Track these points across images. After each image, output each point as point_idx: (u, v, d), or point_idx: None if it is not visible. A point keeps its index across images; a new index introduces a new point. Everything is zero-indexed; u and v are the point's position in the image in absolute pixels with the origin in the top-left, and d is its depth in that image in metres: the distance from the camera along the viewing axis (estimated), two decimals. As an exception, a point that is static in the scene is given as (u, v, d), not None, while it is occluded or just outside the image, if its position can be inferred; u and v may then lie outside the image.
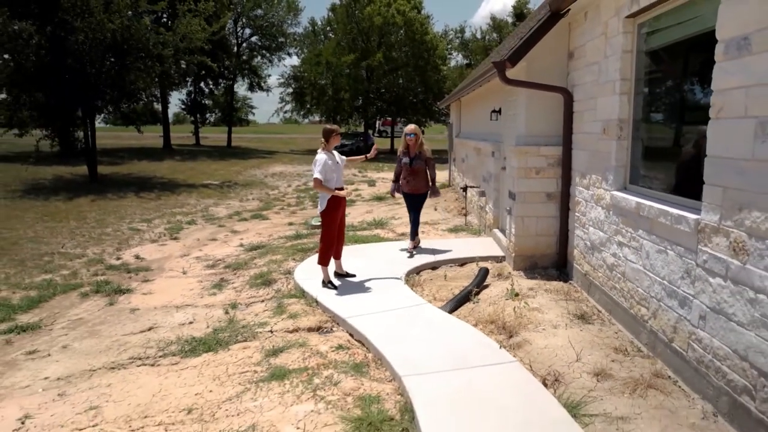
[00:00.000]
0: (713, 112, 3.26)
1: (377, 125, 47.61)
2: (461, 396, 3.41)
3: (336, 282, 5.98)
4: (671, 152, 4.35)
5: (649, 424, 3.10)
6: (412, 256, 7.04)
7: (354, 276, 6.23)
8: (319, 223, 10.27)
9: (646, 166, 4.62)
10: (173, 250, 8.90)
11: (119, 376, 4.27)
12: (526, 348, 4.22)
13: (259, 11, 36.10)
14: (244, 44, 37.82)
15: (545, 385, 3.63)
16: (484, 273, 5.95)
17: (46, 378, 4.40)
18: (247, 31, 37.44)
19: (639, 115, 4.70)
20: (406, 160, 7.33)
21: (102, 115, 18.43)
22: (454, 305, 5.28)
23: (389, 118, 39.19)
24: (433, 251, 7.27)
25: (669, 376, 3.72)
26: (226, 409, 3.50)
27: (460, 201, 12.31)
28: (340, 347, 4.32)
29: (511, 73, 6.14)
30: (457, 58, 49.36)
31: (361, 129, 38.93)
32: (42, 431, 3.52)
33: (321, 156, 5.77)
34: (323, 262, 5.94)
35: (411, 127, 7.51)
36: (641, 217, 4.23)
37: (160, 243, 9.43)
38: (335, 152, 6.04)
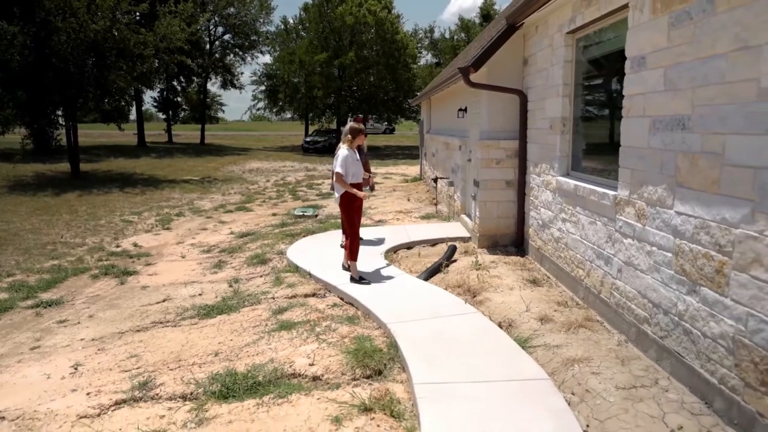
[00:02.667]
0: (624, 112, 4.26)
1: (349, 122, 48.45)
2: (435, 335, 4.34)
3: (367, 278, 5.89)
4: (602, 144, 5.36)
5: (577, 349, 4.07)
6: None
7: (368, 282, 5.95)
8: (302, 214, 11.14)
9: (583, 156, 5.63)
10: (168, 238, 9.63)
11: (148, 335, 5.07)
12: (487, 304, 5.17)
13: (232, 9, 36.50)
14: (217, 42, 38.18)
15: (500, 327, 4.59)
16: (452, 249, 6.91)
17: (81, 339, 5.17)
18: (220, 29, 37.81)
19: (578, 113, 5.71)
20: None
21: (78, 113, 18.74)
22: (428, 275, 6.22)
23: (361, 116, 40.04)
24: (408, 234, 8.20)
25: (597, 320, 4.72)
26: (247, 351, 4.36)
27: (430, 192, 13.29)
28: (335, 305, 5.22)
29: (474, 77, 7.10)
30: (426, 57, 50.61)
31: (334, 126, 39.66)
32: (95, 373, 4.31)
33: (343, 151, 6.01)
34: (352, 257, 5.95)
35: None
36: (578, 197, 5.24)
37: (154, 233, 10.13)
38: (355, 150, 6.24)
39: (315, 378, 3.79)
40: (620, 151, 4.34)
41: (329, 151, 32.95)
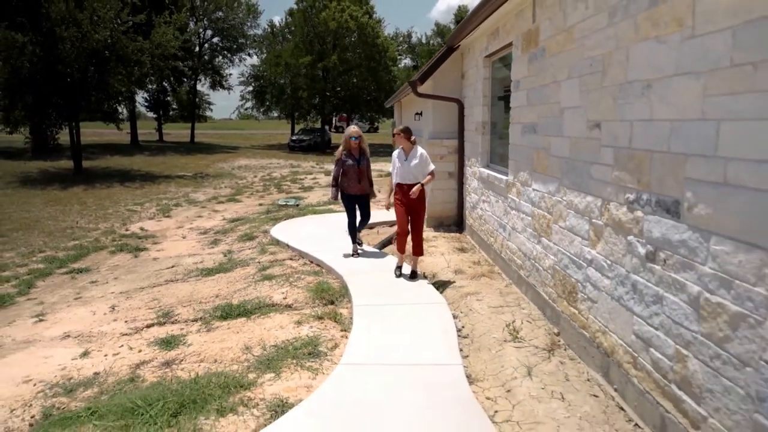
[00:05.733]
0: (511, 119, 5.95)
1: (334, 121, 49.99)
2: (376, 281, 6.00)
3: (404, 270, 6.31)
4: (506, 143, 7.05)
5: (474, 288, 5.75)
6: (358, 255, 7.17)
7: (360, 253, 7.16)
8: (285, 203, 12.74)
9: (496, 152, 7.32)
10: (169, 224, 11.21)
11: (163, 288, 6.69)
12: (421, 264, 6.83)
13: (220, 14, 37.96)
14: (206, 45, 39.59)
15: (425, 278, 6.27)
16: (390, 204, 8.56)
17: (112, 292, 6.77)
18: (209, 32, 39.24)
19: (494, 119, 7.40)
20: (351, 162, 7.10)
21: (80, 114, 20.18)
22: (381, 245, 7.90)
23: (345, 115, 41.72)
24: (372, 217, 9.83)
25: (497, 272, 6.42)
26: (239, 293, 5.99)
27: (400, 185, 14.93)
28: (305, 264, 6.88)
29: (421, 88, 8.77)
30: (405, 60, 52.40)
31: (319, 125, 41.23)
32: (128, 311, 5.93)
33: (394, 152, 6.49)
34: (398, 248, 6.37)
35: (354, 129, 7.31)
36: (490, 182, 6.93)
37: (156, 220, 11.71)
38: (417, 148, 6.36)
39: (287, 306, 5.44)
40: (509, 147, 6.04)
41: (314, 149, 34.57)
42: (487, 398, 3.59)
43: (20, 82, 15.92)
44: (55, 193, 14.94)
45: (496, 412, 3.41)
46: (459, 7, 48.70)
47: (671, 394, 2.89)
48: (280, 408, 3.36)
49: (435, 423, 3.21)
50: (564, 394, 3.56)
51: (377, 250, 7.59)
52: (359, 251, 7.26)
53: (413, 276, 6.16)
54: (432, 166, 6.35)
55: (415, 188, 6.11)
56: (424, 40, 53.17)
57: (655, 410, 3.04)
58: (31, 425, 3.63)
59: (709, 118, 2.54)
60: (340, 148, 7.27)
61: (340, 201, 7.44)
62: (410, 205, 6.23)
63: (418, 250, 6.29)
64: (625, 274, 3.39)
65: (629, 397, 3.35)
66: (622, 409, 3.40)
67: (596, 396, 3.57)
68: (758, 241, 2.24)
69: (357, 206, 7.34)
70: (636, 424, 3.22)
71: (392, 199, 6.42)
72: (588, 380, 3.80)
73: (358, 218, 7.45)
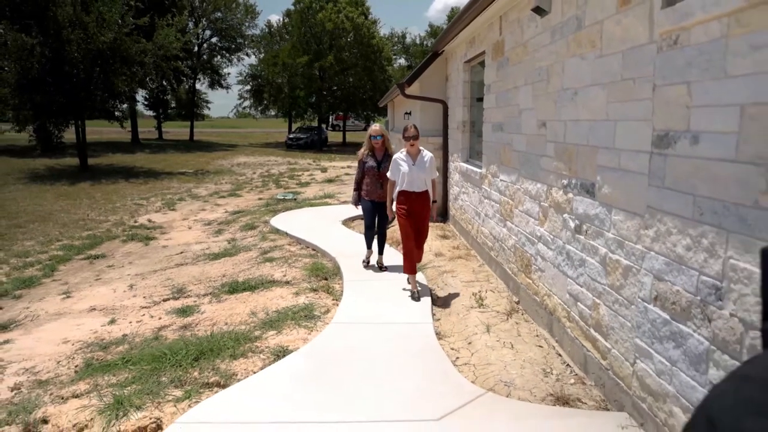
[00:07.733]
0: (484, 119, 6.74)
1: (330, 120, 50.73)
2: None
3: (418, 292, 5.40)
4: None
5: (453, 268, 6.54)
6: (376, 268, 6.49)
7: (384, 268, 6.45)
8: (283, 198, 13.50)
9: (475, 148, 8.10)
10: (175, 216, 11.97)
11: (175, 270, 7.45)
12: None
13: (219, 14, 38.69)
14: (205, 45, 40.31)
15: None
16: (393, 217, 9.35)
17: (128, 274, 7.53)
18: (208, 32, 39.95)
19: (473, 118, 8.18)
20: (372, 163, 6.30)
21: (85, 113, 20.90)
22: (371, 233, 8.65)
23: (341, 114, 42.49)
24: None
25: (473, 255, 7.21)
26: (244, 273, 6.76)
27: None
28: (302, 249, 7.66)
29: (409, 90, 9.55)
30: (400, 60, 53.25)
31: (315, 123, 42.00)
32: (145, 288, 6.70)
33: (396, 155, 5.73)
34: (406, 269, 5.56)
35: (377, 128, 6.49)
36: (468, 175, 7.71)
37: (162, 212, 12.46)
38: (424, 152, 5.67)
39: (286, 282, 6.22)
40: (483, 143, 6.82)
41: (311, 147, 35.32)
42: (452, 348, 4.38)
43: (29, 82, 16.65)
44: (64, 188, 15.68)
45: (457, 358, 4.20)
46: (452, 8, 49.55)
47: (590, 336, 3.68)
48: (281, 353, 4.15)
49: (407, 364, 3.99)
50: (514, 345, 4.35)
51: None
52: (377, 265, 6.51)
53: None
54: (437, 173, 5.85)
55: (433, 210, 5.83)
56: (417, 41, 54.09)
57: (580, 351, 3.83)
58: (76, 372, 4.40)
59: (611, 119, 3.33)
60: (363, 148, 6.47)
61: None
62: (417, 215, 5.55)
63: (418, 257, 5.70)
64: (562, 245, 4.18)
65: (564, 344, 4.14)
66: (559, 355, 4.19)
67: (541, 346, 4.36)
68: (637, 210, 3.03)
69: (377, 214, 6.45)
70: (567, 364, 4.01)
71: (396, 208, 5.73)
72: (536, 336, 4.59)
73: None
